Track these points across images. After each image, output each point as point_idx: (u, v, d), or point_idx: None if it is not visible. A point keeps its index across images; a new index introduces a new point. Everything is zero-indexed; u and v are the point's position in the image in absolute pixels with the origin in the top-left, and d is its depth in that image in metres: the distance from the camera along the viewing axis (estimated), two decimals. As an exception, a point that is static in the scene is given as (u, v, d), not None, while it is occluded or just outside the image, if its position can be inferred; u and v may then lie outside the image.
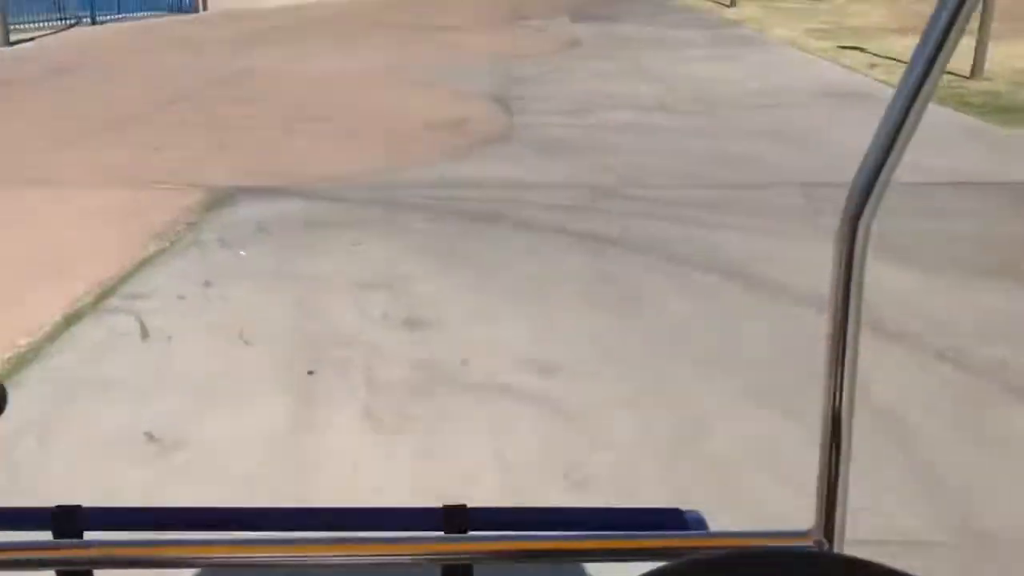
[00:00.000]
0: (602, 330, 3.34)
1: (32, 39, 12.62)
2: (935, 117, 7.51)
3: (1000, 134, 7.05)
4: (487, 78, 9.79)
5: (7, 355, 3.12)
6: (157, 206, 5.22)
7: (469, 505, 0.66)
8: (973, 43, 9.12)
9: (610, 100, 8.58)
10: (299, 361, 3.08)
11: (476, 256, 4.19)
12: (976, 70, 8.85)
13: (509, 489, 2.27)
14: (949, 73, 8.97)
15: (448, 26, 15.21)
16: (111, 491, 2.24)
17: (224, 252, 4.32)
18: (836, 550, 0.63)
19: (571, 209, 5.01)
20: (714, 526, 0.71)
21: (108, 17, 14.63)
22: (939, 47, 0.53)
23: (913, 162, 4.90)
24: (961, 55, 8.80)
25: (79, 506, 0.64)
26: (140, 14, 15.39)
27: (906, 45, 12.20)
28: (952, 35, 0.53)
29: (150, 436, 2.55)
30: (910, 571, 0.49)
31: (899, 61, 10.50)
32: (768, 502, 2.25)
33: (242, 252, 4.31)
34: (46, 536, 0.64)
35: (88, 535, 0.65)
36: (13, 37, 12.16)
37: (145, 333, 3.33)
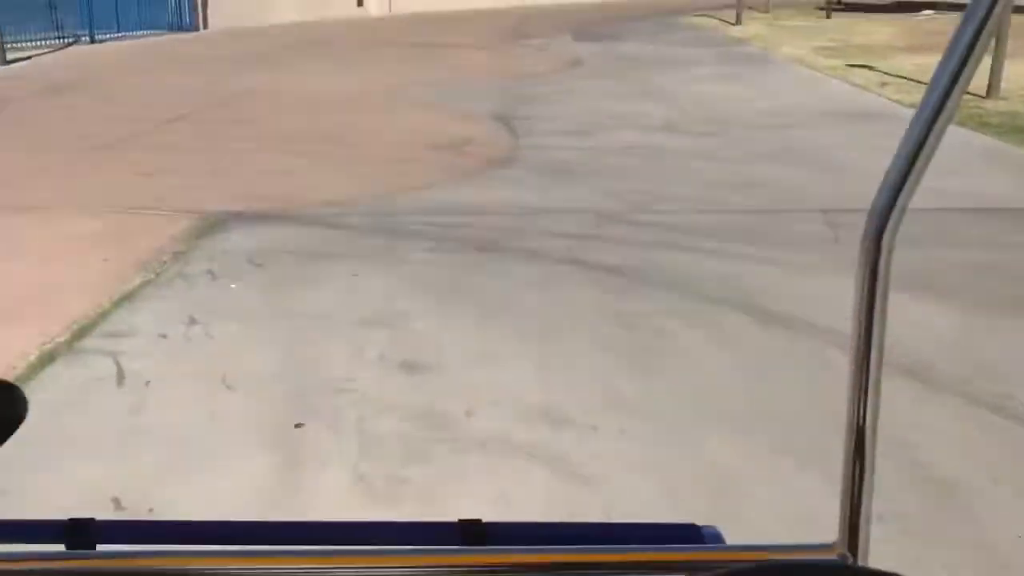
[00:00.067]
0: (615, 377, 3.08)
1: (29, 58, 12.47)
2: (953, 138, 7.24)
3: (1021, 156, 6.82)
4: (490, 98, 9.59)
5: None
6: (145, 233, 4.98)
7: (485, 519, 0.65)
8: (988, 61, 8.91)
9: (615, 121, 8.37)
10: (287, 410, 2.82)
11: (479, 290, 3.94)
12: (992, 89, 8.62)
13: None
14: (964, 92, 8.73)
15: (450, 45, 15.06)
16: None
17: (212, 285, 4.07)
18: (860, 563, 0.62)
19: (578, 237, 4.77)
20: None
21: (107, 35, 14.50)
22: (962, 64, 0.53)
23: (934, 187, 4.62)
24: (976, 74, 8.57)
25: (92, 519, 0.64)
26: (140, 32, 15.25)
27: (916, 63, 12.01)
28: (975, 53, 0.53)
29: (117, 503, 2.29)
30: None
31: (909, 79, 10.30)
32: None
33: (232, 285, 4.06)
34: (59, 549, 0.64)
35: (101, 548, 0.64)
36: (10, 56, 12.01)
37: (121, 377, 3.07)
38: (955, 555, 2.17)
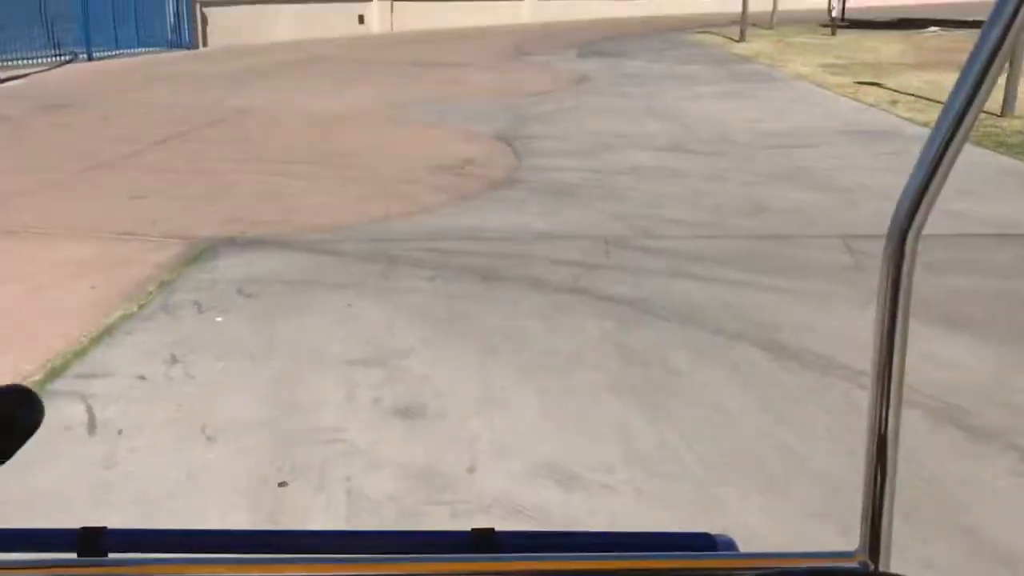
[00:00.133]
0: (629, 424, 2.83)
1: (25, 75, 12.31)
2: (970, 158, 7.05)
3: (1043, 177, 6.59)
4: (492, 116, 9.39)
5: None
6: (130, 261, 4.75)
7: (497, 528, 0.64)
8: (1002, 79, 8.71)
9: (621, 140, 8.16)
10: (270, 465, 2.58)
11: (481, 324, 3.70)
12: (1007, 107, 8.41)
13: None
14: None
15: (452, 63, 14.91)
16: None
17: (198, 318, 3.84)
18: (882, 571, 0.61)
19: (585, 265, 4.53)
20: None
21: (105, 53, 14.35)
22: (993, 53, 0.52)
23: (954, 210, 4.40)
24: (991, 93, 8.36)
25: (104, 528, 0.63)
26: (138, 50, 15.11)
27: (926, 80, 11.82)
28: (1005, 45, 0.52)
29: None
30: None
31: (920, 97, 10.09)
32: None
33: (218, 318, 3.82)
34: (71, 557, 0.63)
35: (112, 557, 0.63)
36: (5, 73, 11.85)
37: (93, 426, 2.83)
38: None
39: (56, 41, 13.52)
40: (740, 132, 8.42)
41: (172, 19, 15.87)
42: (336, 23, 20.11)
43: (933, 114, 9.38)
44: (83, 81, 12.25)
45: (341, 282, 4.30)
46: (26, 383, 3.01)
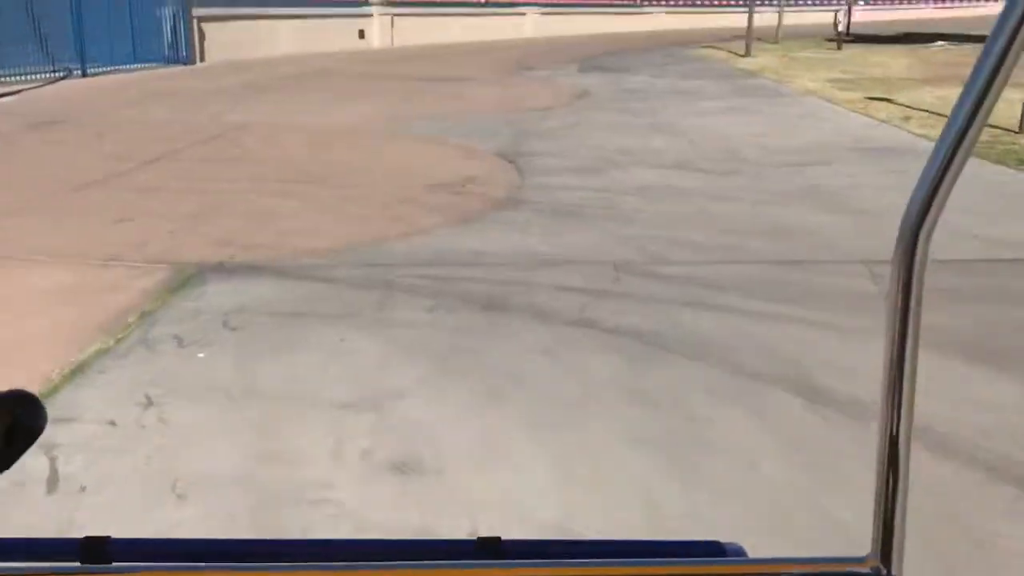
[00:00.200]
0: (648, 483, 2.56)
1: (18, 91, 12.11)
2: (990, 177, 6.80)
3: (1068, 197, 6.34)
4: (494, 133, 9.16)
5: None
6: (111, 289, 4.49)
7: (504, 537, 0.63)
8: (1015, 95, 8.47)
9: (626, 158, 7.92)
10: (247, 531, 2.30)
11: (482, 361, 3.43)
12: (1024, 124, 8.17)
13: None
14: (994, 127, 8.29)
15: (453, 78, 14.71)
16: None
17: (179, 353, 3.57)
18: None
19: (592, 293, 4.27)
20: None
21: (100, 69, 14.16)
22: (1003, 55, 0.52)
23: (979, 234, 4.08)
24: (1005, 110, 8.14)
25: (108, 537, 0.63)
26: (134, 65, 14.93)
27: (937, 96, 11.59)
28: (1016, 42, 0.52)
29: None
30: None
31: (933, 113, 9.86)
32: None
33: (200, 354, 3.56)
34: (75, 566, 0.63)
35: (116, 566, 0.63)
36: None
37: (54, 481, 2.56)
38: None
39: (50, 57, 13.33)
40: (749, 149, 8.18)
41: (169, 34, 15.70)
42: (336, 38, 19.97)
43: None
44: (76, 97, 12.04)
45: (334, 313, 4.03)
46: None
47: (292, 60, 17.09)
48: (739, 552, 0.66)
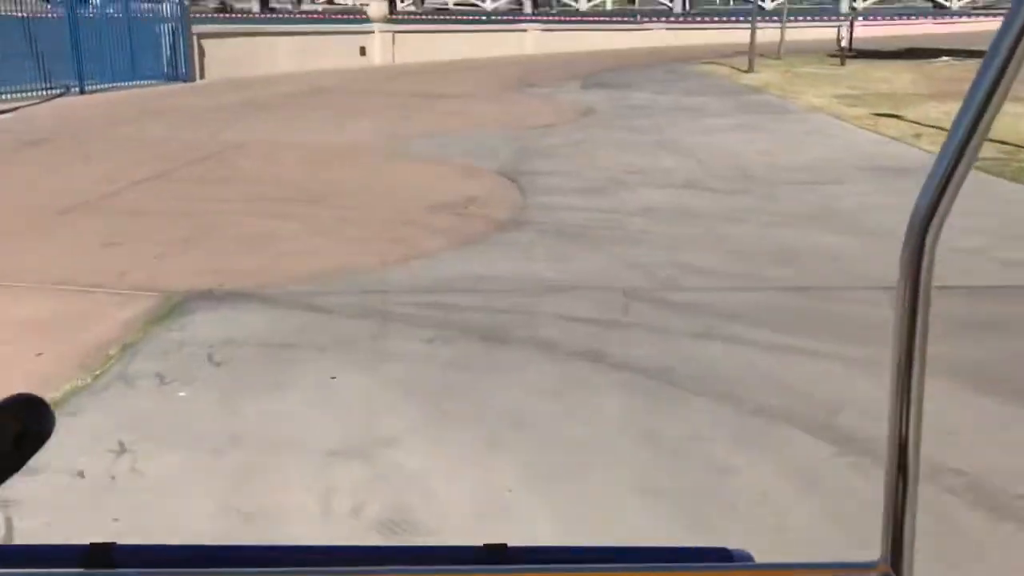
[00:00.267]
0: (660, 539, 2.31)
1: (14, 109, 11.94)
2: (1008, 195, 6.58)
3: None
4: (496, 151, 8.96)
5: None
6: (93, 319, 4.27)
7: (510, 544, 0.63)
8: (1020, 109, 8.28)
9: (633, 177, 7.71)
10: None
11: (483, 400, 3.19)
12: (1040, 142, 7.96)
13: None
14: (1007, 143, 8.08)
15: (454, 94, 14.55)
16: None
17: (159, 392, 3.34)
18: None
19: (600, 324, 4.04)
20: None
21: (98, 86, 14.00)
22: (1012, 48, 0.53)
23: (1004, 259, 3.81)
24: (1018, 125, 7.93)
25: (113, 543, 0.64)
26: (133, 82, 14.78)
27: (945, 112, 11.39)
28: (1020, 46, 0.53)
29: None
30: None
31: (943, 129, 9.65)
32: None
33: (181, 392, 3.32)
34: (80, 572, 0.64)
35: (121, 572, 0.65)
36: (-5, 108, 11.50)
37: (8, 542, 2.32)
38: None
39: (47, 74, 13.17)
40: (758, 167, 7.97)
41: (168, 51, 15.56)
42: (337, 55, 19.85)
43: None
44: (72, 115, 11.87)
45: (325, 346, 3.80)
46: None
47: (292, 77, 16.95)
48: (747, 558, 0.64)
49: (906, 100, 12.77)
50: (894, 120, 10.78)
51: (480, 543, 0.62)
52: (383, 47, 21.44)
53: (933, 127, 9.95)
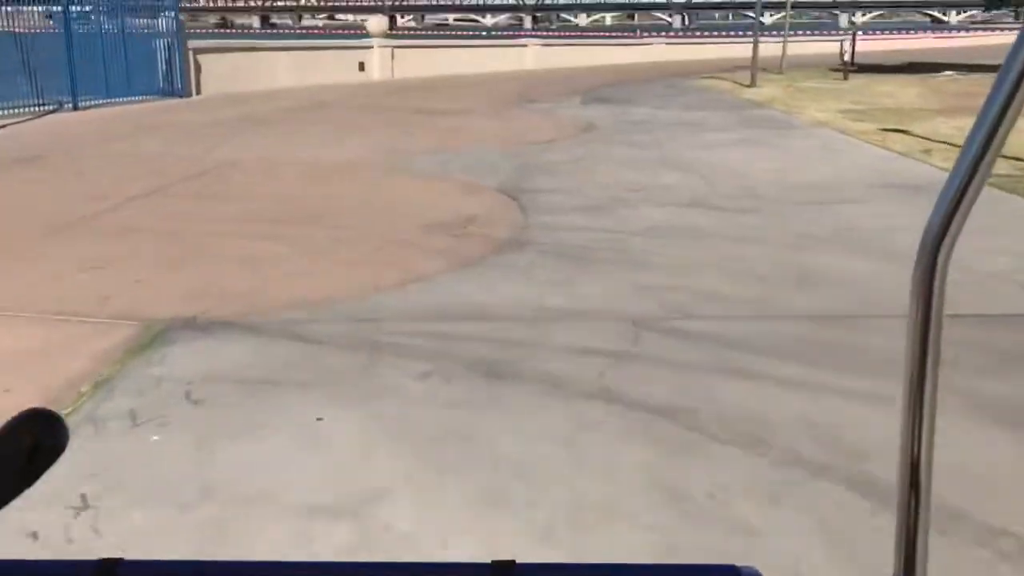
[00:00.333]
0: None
1: (3, 127, 11.71)
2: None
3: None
4: (496, 167, 8.72)
5: None
6: (69, 350, 3.99)
7: (519, 561, 0.61)
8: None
9: (636, 194, 7.46)
10: None
11: (484, 449, 2.91)
12: (1059, 158, 7.71)
13: None
14: (1016, 159, 7.84)
15: (454, 110, 14.34)
16: None
17: (130, 435, 3.06)
18: None
19: (610, 356, 3.76)
20: None
21: (92, 102, 13.78)
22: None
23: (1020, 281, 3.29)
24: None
25: (121, 559, 0.62)
26: (128, 98, 14.57)
27: (955, 127, 11.16)
28: None
29: None
30: None
31: (954, 145, 9.41)
32: None
33: (154, 437, 3.04)
34: None
35: None
36: (-16, 124, 11.27)
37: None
38: None
39: (39, 89, 12.95)
40: (765, 185, 7.72)
41: (163, 66, 15.35)
42: (335, 70, 19.68)
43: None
44: (65, 131, 11.64)
45: (313, 381, 3.52)
46: None
47: (290, 92, 16.75)
48: (755, 575, 0.62)
49: (912, 115, 12.55)
50: (902, 135, 10.55)
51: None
52: (382, 62, 21.27)
53: (943, 143, 9.72)
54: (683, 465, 2.75)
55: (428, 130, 12.12)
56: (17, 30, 13.19)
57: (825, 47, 31.67)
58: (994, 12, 35.88)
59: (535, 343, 3.96)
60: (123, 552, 0.61)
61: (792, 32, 26.00)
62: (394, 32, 22.76)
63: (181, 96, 15.47)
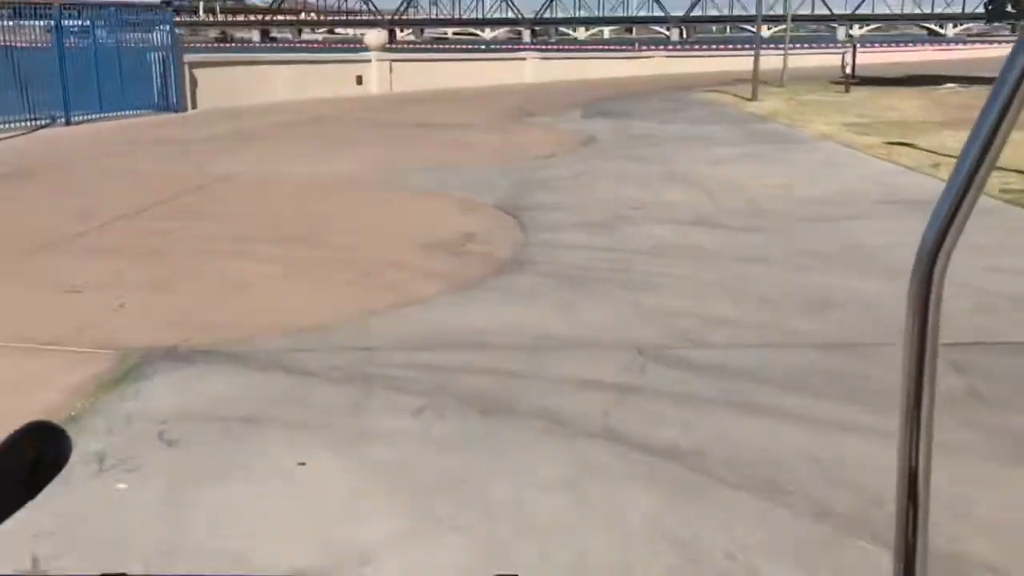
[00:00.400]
0: None
1: (-6, 142, 11.53)
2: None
3: None
4: (495, 183, 8.51)
5: None
6: (39, 384, 3.76)
7: None
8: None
9: (640, 211, 7.25)
10: None
11: (480, 498, 2.67)
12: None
13: None
14: (1018, 172, 7.63)
15: (452, 124, 14.15)
16: None
17: (95, 482, 2.82)
18: None
19: (616, 389, 3.53)
20: None
21: (86, 116, 13.59)
22: (1020, 79, 0.53)
23: None
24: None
25: (124, 574, 0.64)
26: (122, 113, 14.39)
27: (961, 140, 10.87)
28: None
29: None
30: None
31: (962, 160, 9.22)
32: None
33: (121, 484, 2.81)
34: None
35: None
36: (-26, 140, 11.07)
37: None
38: None
39: (31, 104, 12.76)
40: (772, 201, 7.50)
41: (158, 80, 15.18)
42: (333, 83, 19.53)
43: (987, 183, 8.50)
44: (56, 147, 11.45)
45: (297, 420, 3.28)
46: None
47: (287, 107, 16.58)
48: None
49: (917, 128, 12.36)
50: (908, 149, 10.35)
51: None
52: (380, 76, 21.13)
53: (950, 156, 9.51)
54: (696, 515, 2.51)
55: (426, 145, 11.92)
56: (13, 44, 13.02)
57: (824, 60, 31.61)
58: (994, 24, 35.92)
59: (535, 374, 3.73)
60: None
61: (791, 45, 25.90)
62: (393, 46, 22.67)
63: (176, 110, 15.29)
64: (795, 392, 3.46)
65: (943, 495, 2.65)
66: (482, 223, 6.96)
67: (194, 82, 15.92)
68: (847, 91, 18.89)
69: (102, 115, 13.99)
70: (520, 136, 12.84)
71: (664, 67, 31.21)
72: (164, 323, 4.52)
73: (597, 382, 3.60)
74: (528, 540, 2.40)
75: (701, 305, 4.69)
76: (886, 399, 3.36)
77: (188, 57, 16.24)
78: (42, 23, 13.54)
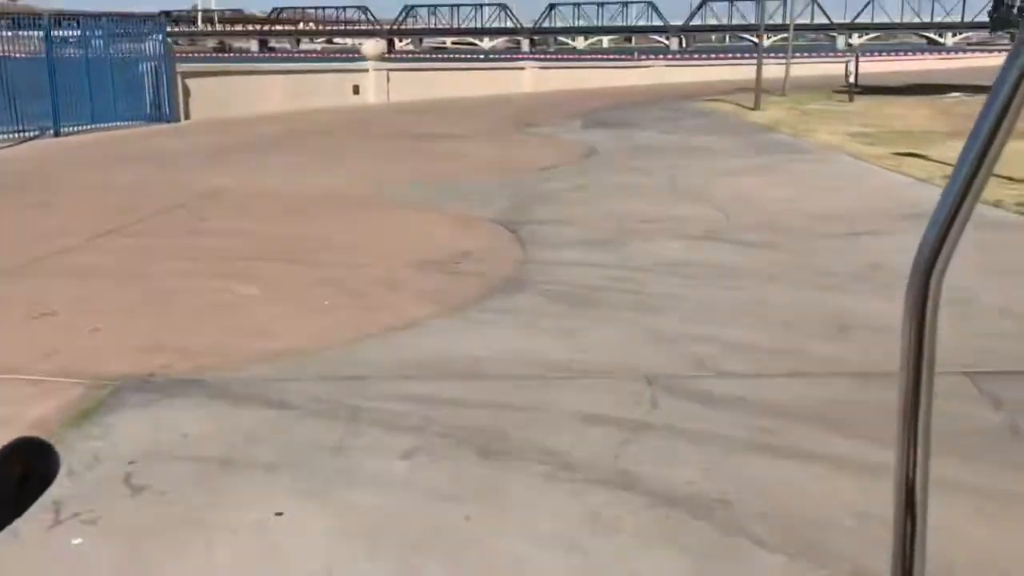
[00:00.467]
0: None
1: (-20, 154, 11.25)
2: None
3: None
4: (492, 198, 8.23)
5: None
6: (2, 417, 3.45)
7: None
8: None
9: (645, 226, 6.96)
10: None
11: (478, 559, 2.37)
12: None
13: None
14: (1019, 181, 7.37)
15: (450, 135, 13.89)
16: None
17: (48, 537, 2.52)
18: None
19: (625, 426, 3.23)
20: None
21: (76, 128, 13.32)
22: (1012, 91, 0.53)
23: None
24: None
25: None
26: (114, 124, 14.12)
27: (972, 151, 10.70)
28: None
29: None
30: None
31: (975, 171, 8.96)
32: None
33: (76, 540, 2.50)
34: None
35: None
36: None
37: None
38: None
39: (19, 115, 12.48)
40: (784, 215, 7.22)
41: (150, 91, 14.92)
42: (329, 93, 19.29)
43: (1005, 192, 8.23)
44: (42, 159, 11.17)
45: (278, 462, 2.98)
46: None
47: (282, 117, 16.33)
48: None
49: (925, 138, 12.11)
50: (917, 160, 10.09)
51: None
52: (377, 86, 20.90)
53: (963, 168, 9.25)
54: (715, 574, 2.20)
55: (422, 156, 11.66)
56: (4, 54, 12.76)
57: (825, 69, 31.46)
58: (995, 33, 35.80)
59: (537, 408, 3.43)
60: None
61: (795, 54, 25.72)
62: (391, 55, 22.42)
63: (169, 121, 15.03)
64: (830, 429, 3.15)
65: (999, 556, 2.35)
66: (480, 239, 6.68)
67: (187, 92, 15.67)
68: (850, 100, 18.67)
69: (93, 126, 13.72)
70: (519, 147, 12.57)
71: (663, 76, 31.04)
72: (140, 349, 4.22)
73: (603, 417, 3.30)
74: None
75: (714, 329, 4.39)
76: (940, 438, 3.06)
77: (181, 67, 16.00)
78: (35, 34, 13.29)
